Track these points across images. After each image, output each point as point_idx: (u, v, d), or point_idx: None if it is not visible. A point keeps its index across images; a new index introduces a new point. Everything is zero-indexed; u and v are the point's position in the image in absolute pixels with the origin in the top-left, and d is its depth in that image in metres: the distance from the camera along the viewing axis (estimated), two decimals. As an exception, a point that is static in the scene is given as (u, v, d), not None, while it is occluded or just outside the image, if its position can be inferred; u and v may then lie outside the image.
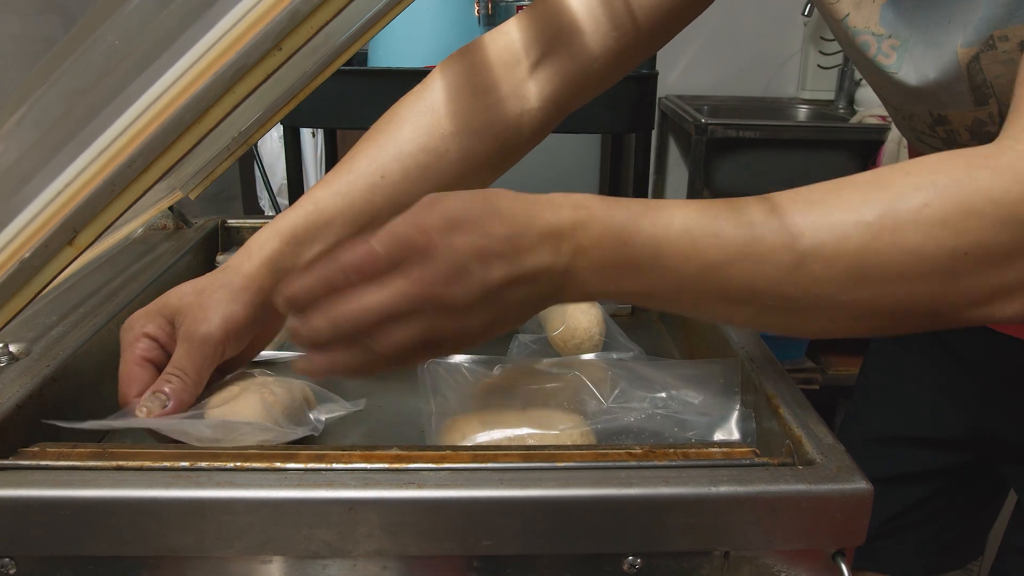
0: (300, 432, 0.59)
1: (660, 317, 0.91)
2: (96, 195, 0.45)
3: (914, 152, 0.75)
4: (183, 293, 0.60)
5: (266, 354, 0.78)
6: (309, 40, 0.42)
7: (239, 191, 1.94)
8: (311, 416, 0.63)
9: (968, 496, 0.92)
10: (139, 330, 0.58)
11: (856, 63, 0.67)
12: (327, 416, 0.64)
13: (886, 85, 0.64)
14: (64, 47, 0.52)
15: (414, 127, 0.69)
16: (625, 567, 0.47)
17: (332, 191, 0.66)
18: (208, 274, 0.62)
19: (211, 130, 0.44)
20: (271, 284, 0.61)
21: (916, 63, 0.59)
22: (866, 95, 2.46)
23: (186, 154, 0.45)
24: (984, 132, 0.60)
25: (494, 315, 0.49)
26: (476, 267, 0.47)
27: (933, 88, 0.59)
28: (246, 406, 0.58)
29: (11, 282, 0.48)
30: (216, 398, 0.59)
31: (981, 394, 0.81)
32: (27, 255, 0.46)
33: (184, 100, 0.40)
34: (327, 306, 0.47)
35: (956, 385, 0.84)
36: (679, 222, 0.48)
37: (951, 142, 0.63)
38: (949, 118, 0.61)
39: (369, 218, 0.65)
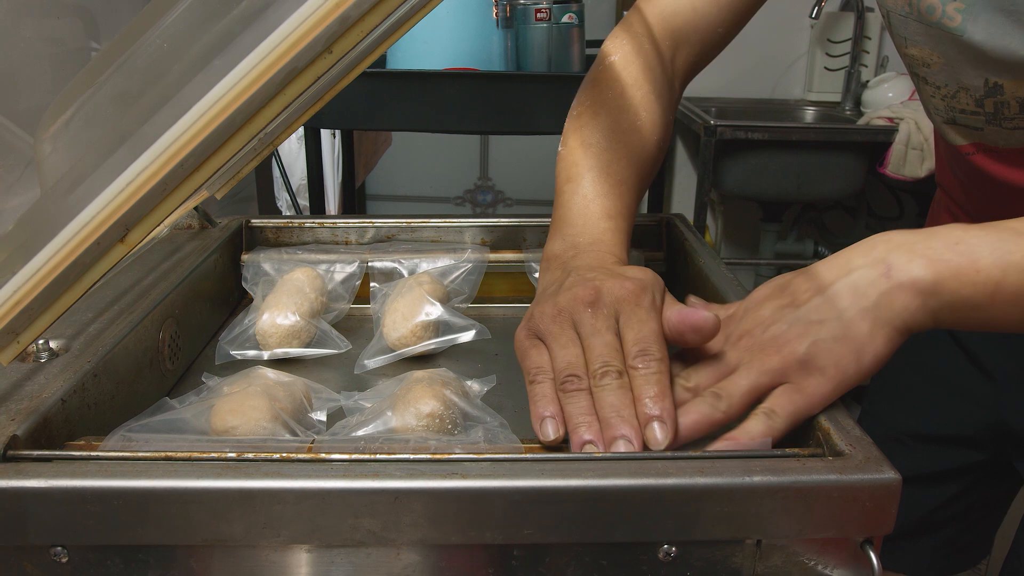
0: (311, 435, 0.60)
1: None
2: (149, 195, 0.46)
3: (940, 143, 0.76)
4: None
5: (294, 351, 0.79)
6: (358, 43, 0.43)
7: (255, 192, 1.96)
8: (313, 417, 0.65)
9: (986, 500, 0.94)
10: None
11: (907, 38, 0.69)
12: (327, 411, 0.66)
13: (948, 51, 0.65)
14: (110, 51, 0.54)
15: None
16: (660, 555, 0.49)
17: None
18: (595, 266, 0.62)
19: (261, 130, 0.45)
20: None
21: (982, 26, 0.61)
22: (872, 97, 2.47)
23: (236, 154, 0.46)
24: None
25: (815, 333, 0.53)
26: (783, 311, 0.55)
27: (1000, 52, 0.61)
28: (257, 411, 0.59)
29: (63, 279, 0.49)
30: (224, 404, 0.60)
31: (996, 390, 0.82)
32: (80, 253, 0.48)
33: (240, 103, 0.42)
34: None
35: (971, 382, 0.85)
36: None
37: (996, 117, 0.66)
38: (1004, 88, 0.63)
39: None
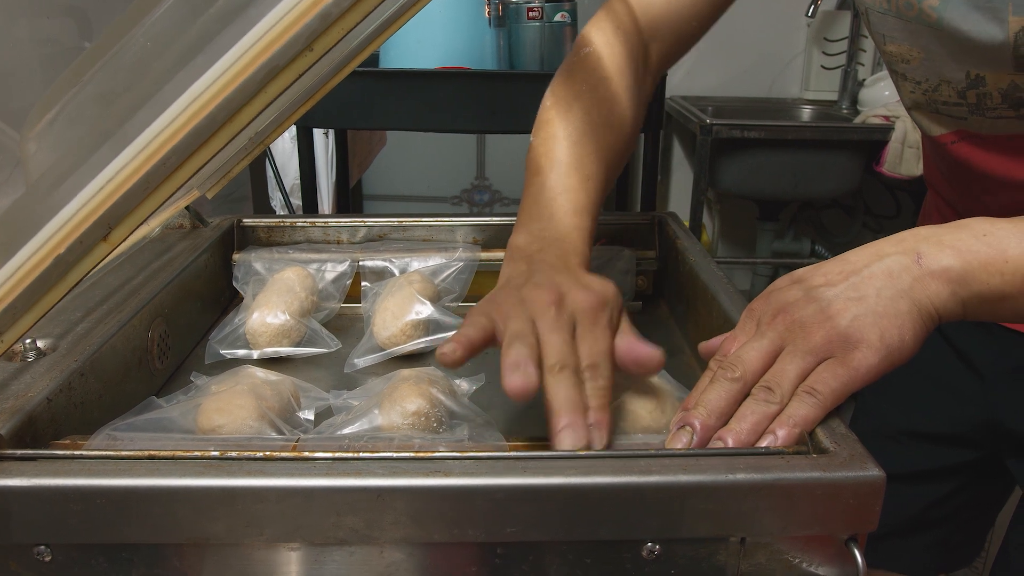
0: (297, 434, 0.60)
1: (671, 313, 0.92)
2: (131, 192, 0.46)
3: (925, 139, 0.76)
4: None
5: (284, 350, 0.79)
6: (339, 41, 0.43)
7: (249, 191, 1.95)
8: (300, 416, 0.65)
9: (979, 499, 0.94)
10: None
11: (885, 35, 0.68)
12: (315, 410, 0.66)
13: (929, 46, 0.65)
14: (95, 50, 0.54)
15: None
16: (644, 553, 0.49)
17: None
18: (553, 268, 0.62)
19: (243, 128, 0.45)
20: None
21: (959, 21, 0.61)
22: (869, 95, 2.47)
23: (218, 152, 0.46)
24: (1017, 97, 0.63)
25: (855, 309, 0.52)
26: (817, 290, 0.54)
27: (977, 46, 0.61)
28: (243, 410, 0.59)
29: (46, 277, 0.49)
30: (211, 402, 0.60)
31: (988, 389, 0.82)
32: (63, 251, 0.48)
33: (220, 100, 0.42)
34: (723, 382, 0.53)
35: (961, 380, 0.85)
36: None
37: (979, 107, 0.66)
38: (986, 79, 0.63)
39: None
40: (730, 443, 0.51)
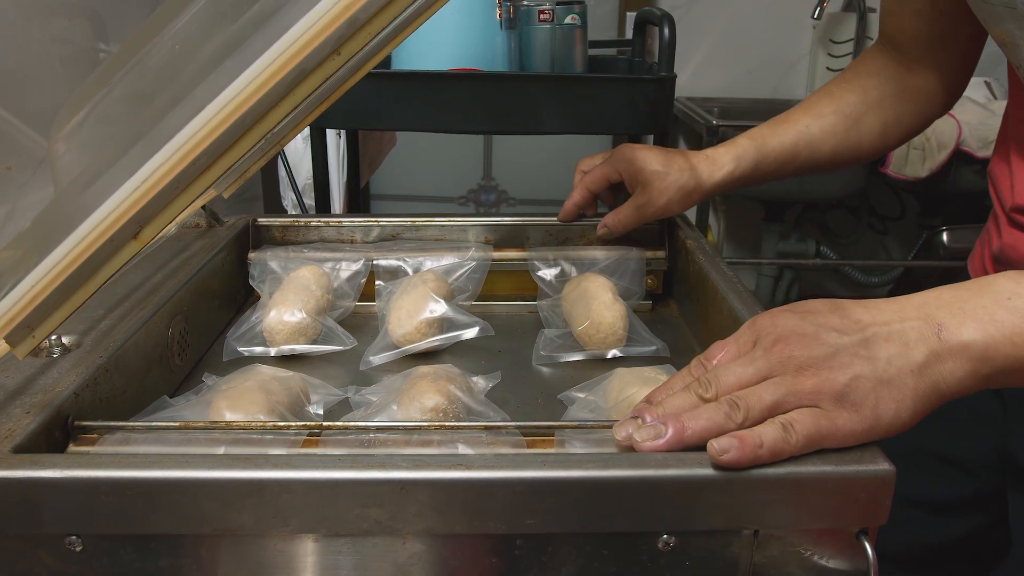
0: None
1: (680, 313, 0.93)
2: (162, 192, 0.47)
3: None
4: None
5: (301, 348, 0.80)
6: (366, 45, 0.45)
7: (260, 191, 1.97)
8: (310, 411, 0.66)
9: (990, 542, 0.93)
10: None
11: (986, 20, 0.69)
12: (324, 406, 0.67)
13: (1014, 30, 0.65)
14: (122, 53, 0.55)
15: (831, 100, 0.94)
16: (660, 545, 0.50)
17: (774, 133, 0.95)
18: (675, 157, 0.91)
19: (271, 130, 0.47)
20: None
21: None
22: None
23: (246, 153, 0.48)
24: None
25: (860, 368, 0.49)
26: (828, 333, 0.51)
27: None
28: (254, 405, 0.60)
29: (78, 275, 0.50)
30: (222, 399, 0.61)
31: (1006, 413, 0.81)
32: (95, 249, 0.49)
33: (252, 103, 0.43)
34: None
35: (986, 403, 0.83)
36: None
37: None
38: None
39: (791, 156, 0.93)
40: (670, 431, 0.49)
